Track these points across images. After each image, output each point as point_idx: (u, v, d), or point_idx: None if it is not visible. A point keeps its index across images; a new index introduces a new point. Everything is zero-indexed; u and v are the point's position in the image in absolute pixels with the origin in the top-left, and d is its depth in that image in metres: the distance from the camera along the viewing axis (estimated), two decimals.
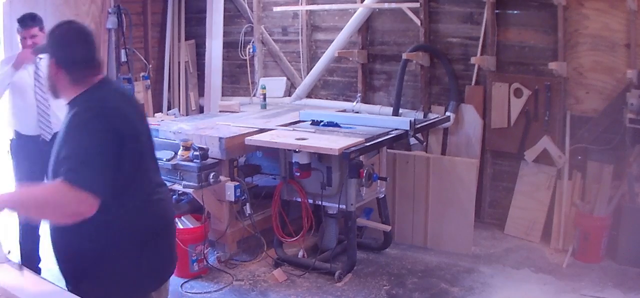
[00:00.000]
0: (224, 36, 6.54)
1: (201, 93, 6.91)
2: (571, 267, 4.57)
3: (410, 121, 4.63)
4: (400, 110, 5.57)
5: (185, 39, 7.00)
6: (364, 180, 4.30)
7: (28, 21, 4.05)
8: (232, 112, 5.79)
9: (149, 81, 6.74)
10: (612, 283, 4.28)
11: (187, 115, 6.71)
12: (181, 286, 4.30)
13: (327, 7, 6.14)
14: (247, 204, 4.64)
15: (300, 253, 4.68)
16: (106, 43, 6.20)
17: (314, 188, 4.46)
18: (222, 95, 6.60)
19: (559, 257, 4.74)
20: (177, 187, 4.28)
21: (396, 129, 4.62)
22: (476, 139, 5.40)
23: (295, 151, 4.29)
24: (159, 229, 2.39)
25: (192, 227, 4.48)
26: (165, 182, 2.63)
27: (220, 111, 5.96)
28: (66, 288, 2.29)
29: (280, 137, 4.42)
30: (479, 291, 4.23)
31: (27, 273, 2.48)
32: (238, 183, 4.55)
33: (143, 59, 6.84)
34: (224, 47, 6.59)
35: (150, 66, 6.89)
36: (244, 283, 4.40)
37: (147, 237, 2.31)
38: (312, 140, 4.29)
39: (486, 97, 5.33)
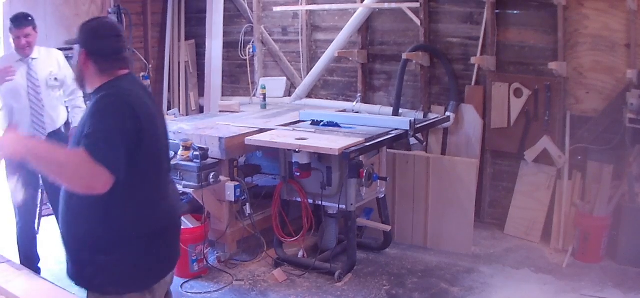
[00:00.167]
0: (224, 36, 6.54)
1: (201, 93, 6.91)
2: (571, 267, 4.57)
3: (410, 121, 4.63)
4: (400, 110, 5.57)
5: (185, 39, 7.00)
6: (364, 180, 4.30)
7: (22, 20, 4.02)
8: (232, 112, 5.79)
9: (149, 81, 6.73)
10: (612, 283, 4.28)
11: (187, 115, 6.72)
12: (181, 286, 4.30)
13: (327, 7, 6.14)
14: (247, 204, 4.64)
15: (300, 253, 4.68)
16: None
17: (314, 188, 4.46)
18: (222, 95, 6.60)
19: (559, 257, 4.74)
20: (177, 187, 4.27)
21: (396, 129, 4.62)
22: (476, 139, 5.40)
23: (295, 151, 4.29)
24: (167, 225, 2.44)
25: (192, 227, 4.48)
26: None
27: (220, 111, 5.96)
28: (69, 273, 2.35)
29: (280, 137, 4.42)
30: (479, 291, 4.23)
31: (27, 273, 2.48)
32: (238, 183, 4.54)
33: (143, 59, 6.84)
34: (224, 47, 6.59)
35: (150, 66, 6.89)
36: (244, 283, 4.40)
37: (155, 232, 2.35)
38: (312, 140, 4.28)
39: (486, 97, 5.33)
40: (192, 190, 4.26)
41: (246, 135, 4.58)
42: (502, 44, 5.22)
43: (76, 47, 2.38)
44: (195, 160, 4.23)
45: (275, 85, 6.49)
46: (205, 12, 6.44)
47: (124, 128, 2.15)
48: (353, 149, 4.06)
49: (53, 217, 4.52)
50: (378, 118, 5.05)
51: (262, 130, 4.73)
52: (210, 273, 4.52)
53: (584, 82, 4.90)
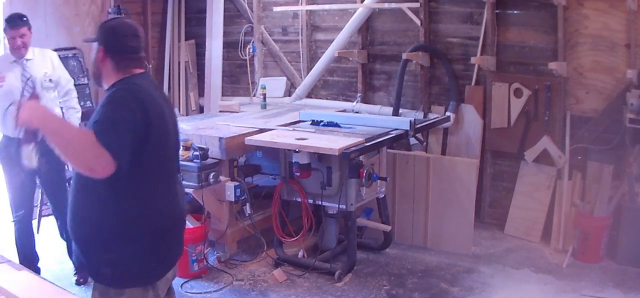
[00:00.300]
0: (224, 36, 6.54)
1: (201, 93, 6.91)
2: (571, 267, 4.57)
3: (410, 121, 4.63)
4: (400, 110, 5.57)
5: (185, 39, 7.00)
6: (364, 180, 4.30)
7: (17, 21, 3.99)
8: (232, 112, 5.79)
9: None
10: (612, 283, 4.28)
11: (187, 115, 6.71)
12: (181, 286, 4.30)
13: (327, 7, 6.14)
14: (247, 204, 4.64)
15: (300, 253, 4.68)
16: None
17: (314, 188, 4.46)
18: (222, 95, 6.60)
19: (559, 257, 4.74)
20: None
21: (396, 129, 4.62)
22: (476, 138, 5.40)
23: (295, 151, 4.29)
24: (171, 224, 2.51)
25: (192, 227, 4.48)
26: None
27: (220, 111, 5.96)
28: (76, 263, 2.39)
29: (280, 137, 4.42)
30: (479, 291, 4.22)
31: (27, 273, 2.49)
32: (238, 183, 4.54)
33: None
34: (224, 47, 6.59)
35: (150, 66, 6.88)
36: (244, 283, 4.40)
37: (159, 230, 2.41)
38: (312, 140, 4.28)
39: (486, 97, 5.33)
40: (192, 190, 4.26)
41: (246, 135, 4.58)
42: (502, 44, 5.22)
43: (95, 44, 2.46)
44: (195, 160, 4.23)
45: (275, 85, 6.49)
46: (205, 12, 6.44)
47: (132, 120, 2.23)
48: (353, 148, 4.06)
49: (52, 217, 4.51)
50: (378, 118, 5.05)
51: (262, 130, 4.73)
52: (210, 273, 4.52)
53: (584, 82, 4.90)
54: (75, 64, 5.91)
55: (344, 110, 5.62)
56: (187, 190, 4.27)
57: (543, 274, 4.45)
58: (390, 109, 5.64)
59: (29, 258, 4.21)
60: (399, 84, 5.54)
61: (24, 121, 2.27)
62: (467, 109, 5.43)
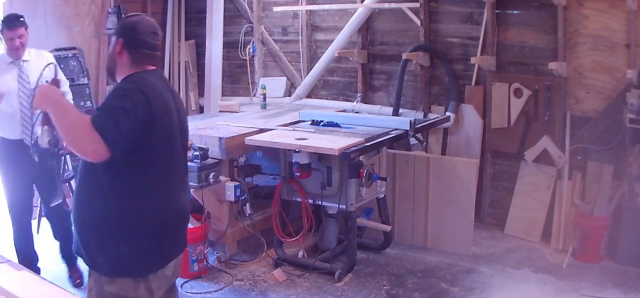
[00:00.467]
0: (224, 36, 6.53)
1: (201, 93, 6.91)
2: (571, 267, 4.57)
3: (410, 121, 4.62)
4: (400, 110, 5.57)
5: (185, 39, 7.00)
6: (364, 180, 4.29)
7: (15, 22, 3.96)
8: (232, 112, 5.79)
9: None
10: (612, 283, 4.28)
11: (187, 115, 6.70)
12: (181, 286, 4.30)
13: (327, 7, 6.14)
14: (247, 204, 4.64)
15: (300, 253, 4.68)
16: (106, 43, 6.20)
17: (314, 188, 4.46)
18: (222, 95, 6.60)
19: (559, 257, 4.74)
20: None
21: (396, 129, 4.62)
22: (476, 138, 5.40)
23: (295, 151, 4.29)
24: (172, 223, 2.55)
25: (192, 227, 4.47)
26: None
27: (220, 111, 5.96)
28: (75, 249, 2.48)
29: (280, 137, 4.42)
30: (479, 291, 4.22)
31: (27, 273, 2.48)
32: (238, 183, 4.54)
33: None
34: (224, 47, 6.59)
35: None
36: (244, 283, 4.40)
37: (158, 226, 2.46)
38: (312, 140, 4.28)
39: (486, 97, 5.33)
40: (192, 190, 4.25)
41: (246, 135, 4.58)
42: (502, 44, 5.22)
43: (113, 37, 2.52)
44: (195, 160, 4.23)
45: (275, 85, 6.49)
46: (205, 12, 6.44)
47: (133, 112, 2.26)
48: (353, 148, 4.06)
49: None
50: (378, 118, 5.05)
51: (262, 130, 4.73)
52: (210, 273, 4.52)
53: (584, 82, 4.90)
54: (75, 64, 5.90)
55: (344, 110, 5.62)
56: None
57: (543, 274, 4.45)
58: (390, 109, 5.64)
59: (28, 258, 4.20)
60: (399, 84, 5.54)
61: (40, 104, 2.39)
62: (467, 109, 5.43)
